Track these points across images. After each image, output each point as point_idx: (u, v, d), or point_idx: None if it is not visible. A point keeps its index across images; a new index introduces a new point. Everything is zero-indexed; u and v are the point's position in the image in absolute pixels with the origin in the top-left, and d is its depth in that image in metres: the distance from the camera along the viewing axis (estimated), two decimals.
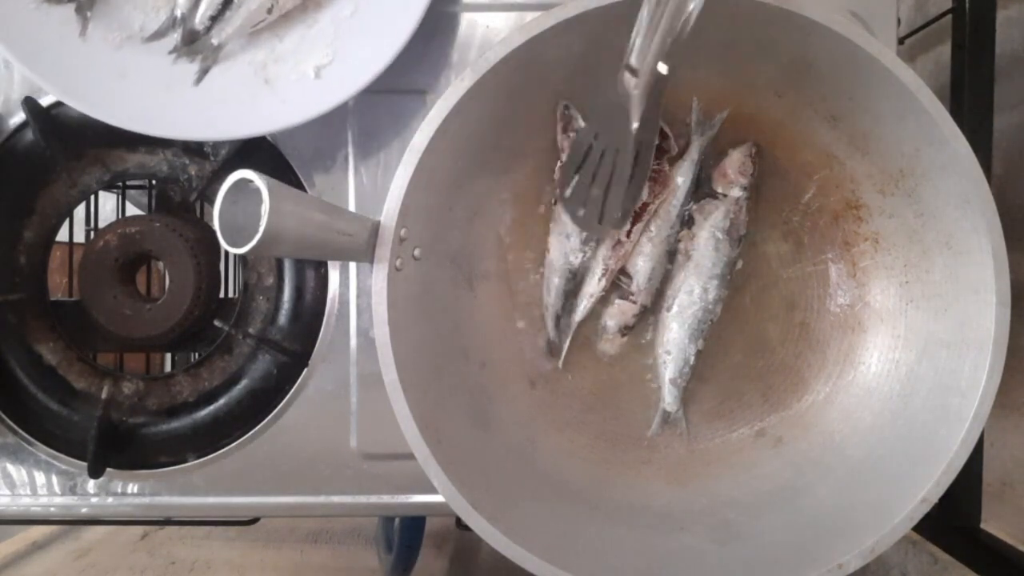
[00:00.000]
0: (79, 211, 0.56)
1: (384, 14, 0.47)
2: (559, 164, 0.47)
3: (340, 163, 0.52)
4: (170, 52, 0.48)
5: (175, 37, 0.48)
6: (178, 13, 0.47)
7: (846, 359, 0.48)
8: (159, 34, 0.48)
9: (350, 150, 0.52)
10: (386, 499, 0.51)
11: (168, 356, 0.84)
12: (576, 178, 0.44)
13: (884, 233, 0.46)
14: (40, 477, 0.52)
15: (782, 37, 0.40)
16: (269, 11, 0.47)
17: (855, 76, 0.40)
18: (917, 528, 0.39)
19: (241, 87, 0.47)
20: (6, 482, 0.52)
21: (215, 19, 0.47)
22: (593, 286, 0.48)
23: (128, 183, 0.58)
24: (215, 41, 0.47)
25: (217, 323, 0.52)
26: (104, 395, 0.52)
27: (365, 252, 0.38)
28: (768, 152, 0.48)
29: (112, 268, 0.50)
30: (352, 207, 0.52)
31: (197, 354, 0.56)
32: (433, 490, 0.38)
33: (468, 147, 0.43)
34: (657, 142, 0.47)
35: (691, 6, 0.35)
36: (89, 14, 0.47)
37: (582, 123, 0.46)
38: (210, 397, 0.52)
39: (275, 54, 0.48)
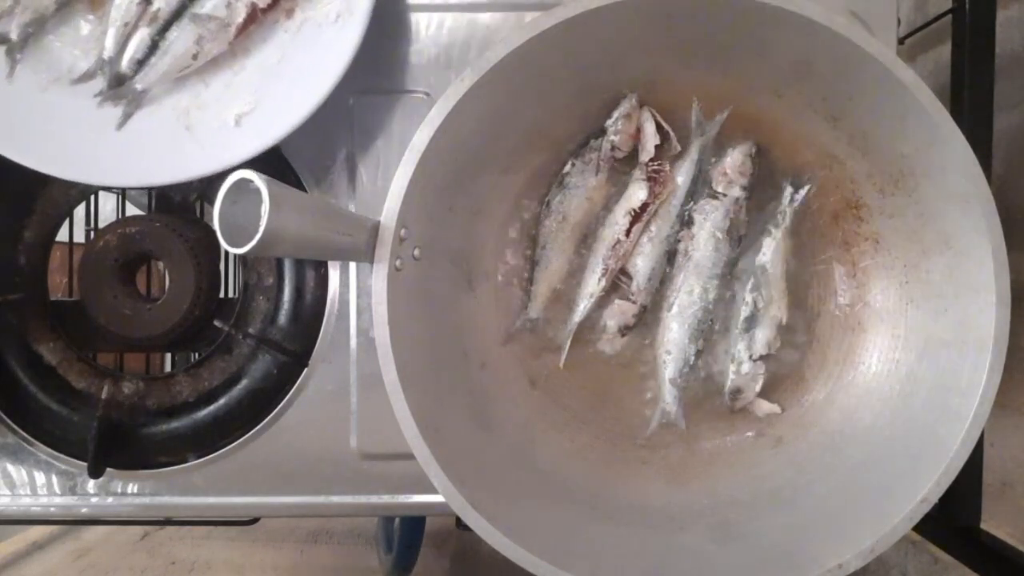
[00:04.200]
0: (79, 211, 0.56)
1: (310, 63, 0.46)
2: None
3: (340, 163, 0.52)
4: (96, 95, 0.47)
5: (102, 80, 0.47)
6: (106, 56, 0.47)
7: (846, 359, 0.48)
8: (87, 76, 0.48)
9: (350, 150, 0.52)
10: (386, 499, 0.51)
11: (168, 356, 0.84)
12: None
13: (884, 233, 0.46)
14: (40, 477, 0.52)
15: (782, 37, 0.40)
16: (195, 57, 0.47)
17: (855, 76, 0.40)
18: (917, 528, 0.39)
19: (162, 133, 0.47)
20: (6, 482, 0.52)
21: (142, 63, 0.47)
22: (593, 286, 0.48)
23: None
24: (139, 86, 0.47)
25: (217, 323, 0.52)
26: (104, 395, 0.52)
27: (365, 252, 0.38)
28: (768, 152, 0.48)
29: (112, 268, 0.50)
30: (352, 207, 0.52)
31: (197, 354, 0.56)
32: (433, 490, 0.38)
33: (468, 147, 0.43)
34: (658, 142, 0.47)
35: None
36: (19, 56, 0.47)
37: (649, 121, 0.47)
38: (210, 397, 0.52)
39: (199, 100, 0.48)
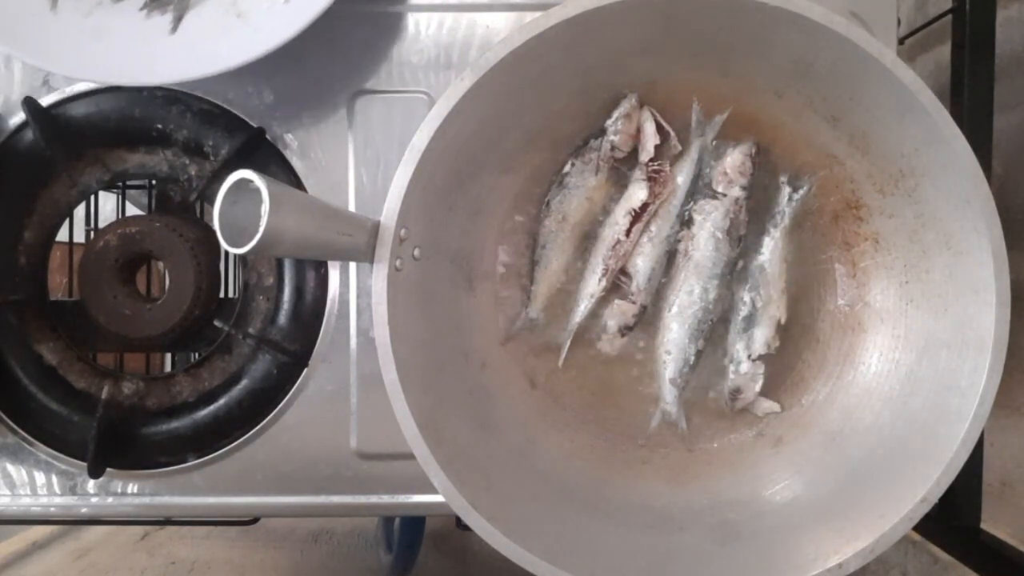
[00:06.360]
0: (79, 211, 0.56)
1: None
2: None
3: (340, 163, 0.52)
4: (141, 8, 0.48)
5: None
6: None
7: (846, 359, 0.48)
8: None
9: (350, 150, 0.52)
10: (386, 499, 0.51)
11: (168, 356, 0.84)
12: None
13: (884, 233, 0.46)
14: (40, 477, 0.52)
15: (782, 37, 0.40)
16: None
17: (855, 76, 0.40)
18: (917, 528, 0.39)
19: (215, 26, 0.48)
20: (6, 482, 0.52)
21: None
22: (593, 286, 0.48)
23: (128, 183, 0.58)
24: None
25: (217, 323, 0.52)
26: (104, 395, 0.52)
27: (365, 252, 0.38)
28: (768, 152, 0.48)
29: (112, 268, 0.50)
30: (352, 207, 0.52)
31: (197, 354, 0.56)
32: (433, 490, 0.38)
33: (468, 147, 0.43)
34: (658, 142, 0.47)
35: None
36: None
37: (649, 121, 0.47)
38: (210, 397, 0.52)
39: None
